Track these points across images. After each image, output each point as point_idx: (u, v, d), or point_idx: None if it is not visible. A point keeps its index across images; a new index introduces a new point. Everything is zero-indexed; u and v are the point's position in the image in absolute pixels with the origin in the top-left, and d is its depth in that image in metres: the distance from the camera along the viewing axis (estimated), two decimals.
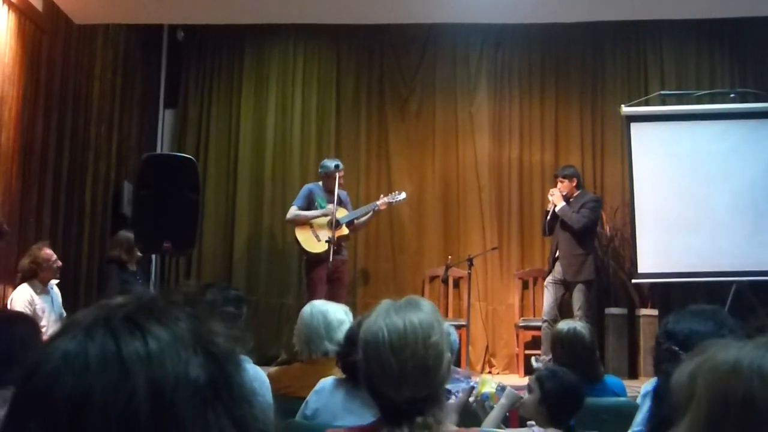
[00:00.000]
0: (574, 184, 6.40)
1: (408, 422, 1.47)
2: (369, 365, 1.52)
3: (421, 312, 1.56)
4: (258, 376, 2.66)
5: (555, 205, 6.28)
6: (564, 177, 6.40)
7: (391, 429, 1.47)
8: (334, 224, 6.01)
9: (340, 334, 2.93)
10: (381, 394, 1.51)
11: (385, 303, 1.61)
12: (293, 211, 6.28)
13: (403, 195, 6.49)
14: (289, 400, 2.82)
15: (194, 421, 0.63)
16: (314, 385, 2.67)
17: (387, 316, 1.54)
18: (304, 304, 7.12)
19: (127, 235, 6.01)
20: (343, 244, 6.27)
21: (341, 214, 6.21)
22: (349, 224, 6.29)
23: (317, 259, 6.08)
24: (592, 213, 6.31)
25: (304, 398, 2.66)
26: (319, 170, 6.41)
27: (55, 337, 0.67)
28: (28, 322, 2.60)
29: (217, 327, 0.70)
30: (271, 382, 2.80)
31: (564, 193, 6.33)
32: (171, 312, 0.69)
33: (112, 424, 0.61)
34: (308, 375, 2.90)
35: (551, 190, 6.44)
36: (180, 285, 0.76)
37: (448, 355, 1.58)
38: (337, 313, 3.13)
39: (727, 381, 0.76)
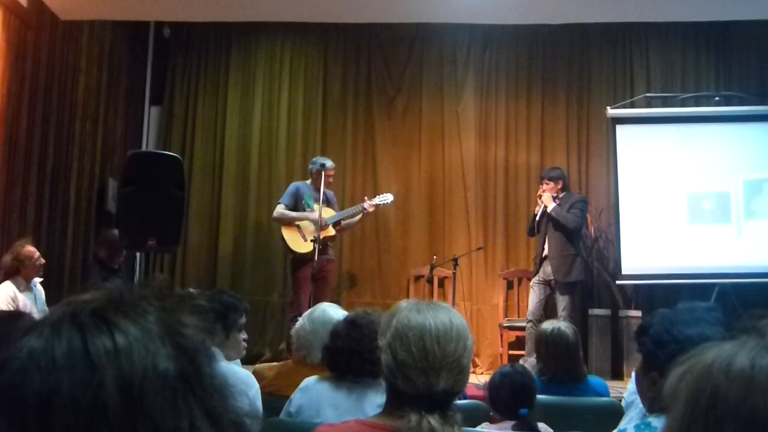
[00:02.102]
0: (560, 186, 6.37)
1: (440, 411, 1.53)
2: (410, 352, 1.56)
3: (458, 316, 1.64)
4: (245, 377, 2.65)
5: (545, 206, 6.28)
6: (549, 179, 6.37)
7: (420, 417, 1.51)
8: (320, 225, 5.98)
9: None
10: (414, 381, 1.55)
11: (411, 301, 1.66)
12: (280, 209, 6.26)
13: (391, 197, 6.47)
14: (275, 398, 2.82)
15: (164, 412, 0.63)
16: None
17: (429, 311, 1.61)
18: (289, 302, 7.07)
19: (112, 233, 5.97)
20: (329, 244, 6.24)
21: (328, 214, 6.18)
22: (336, 225, 6.27)
23: (303, 259, 6.06)
24: (582, 213, 6.33)
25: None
26: (311, 166, 6.36)
27: (22, 335, 0.66)
28: (21, 319, 2.58)
29: (187, 319, 0.70)
30: (258, 379, 2.80)
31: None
32: (139, 306, 0.69)
33: (81, 419, 0.61)
34: (298, 375, 2.89)
35: (540, 191, 6.44)
36: (150, 278, 0.76)
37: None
38: None
39: (699, 381, 0.77)
